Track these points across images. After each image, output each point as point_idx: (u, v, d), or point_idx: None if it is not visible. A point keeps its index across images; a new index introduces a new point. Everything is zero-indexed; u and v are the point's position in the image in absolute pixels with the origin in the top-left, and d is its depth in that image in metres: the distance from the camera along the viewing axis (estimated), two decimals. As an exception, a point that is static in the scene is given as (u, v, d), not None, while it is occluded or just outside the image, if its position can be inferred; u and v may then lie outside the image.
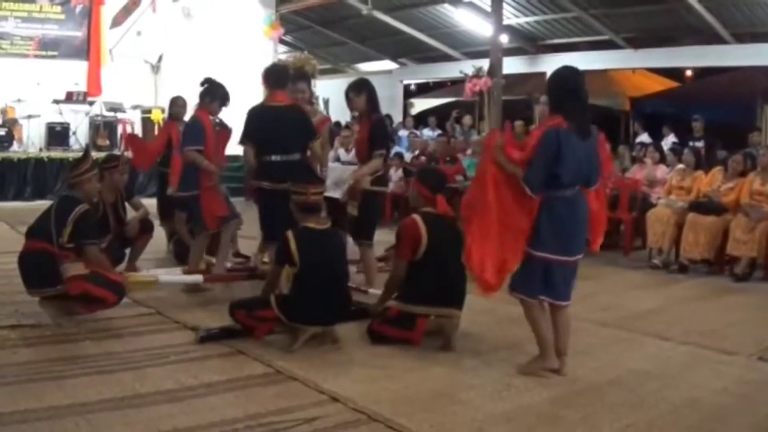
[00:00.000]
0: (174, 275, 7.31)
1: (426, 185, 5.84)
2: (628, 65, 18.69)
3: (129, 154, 9.44)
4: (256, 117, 6.98)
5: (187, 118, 8.57)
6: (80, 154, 7.11)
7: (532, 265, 5.02)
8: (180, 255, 8.43)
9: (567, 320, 5.17)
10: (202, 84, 7.48)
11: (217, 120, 7.88)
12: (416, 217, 5.72)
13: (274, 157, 6.83)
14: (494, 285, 5.02)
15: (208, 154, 7.23)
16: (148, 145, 10.02)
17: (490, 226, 4.97)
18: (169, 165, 8.82)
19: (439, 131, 16.50)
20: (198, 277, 7.11)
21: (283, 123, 6.86)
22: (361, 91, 7.22)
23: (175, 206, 8.39)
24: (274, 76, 7.14)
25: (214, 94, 7.41)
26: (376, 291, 6.67)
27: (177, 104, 9.33)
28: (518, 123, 13.51)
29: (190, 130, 7.43)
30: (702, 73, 18.39)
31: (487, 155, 5.14)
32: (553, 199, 4.95)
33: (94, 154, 6.90)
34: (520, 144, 5.33)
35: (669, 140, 13.45)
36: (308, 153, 7.05)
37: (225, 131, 7.98)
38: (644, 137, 14.54)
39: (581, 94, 5.06)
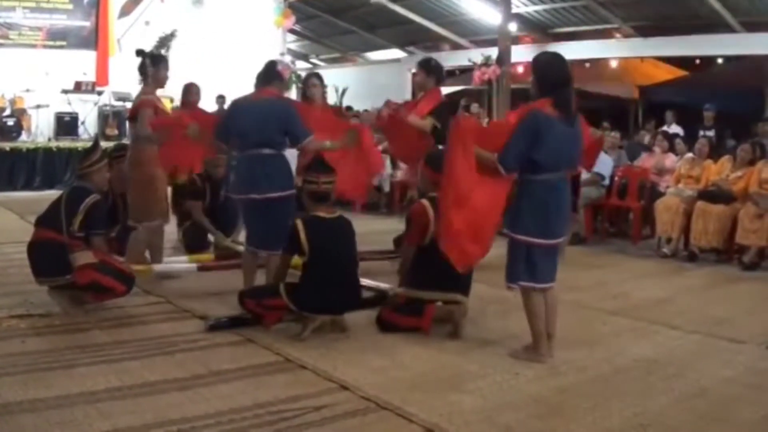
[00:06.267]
0: (168, 264, 7.36)
1: (431, 167, 5.84)
2: (636, 54, 18.61)
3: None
4: None
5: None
6: (89, 143, 7.10)
7: (514, 250, 5.10)
8: (189, 245, 8.44)
9: (553, 302, 5.23)
10: (269, 67, 6.70)
11: None
12: (425, 202, 5.75)
13: None
14: (472, 258, 5.13)
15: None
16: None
17: (463, 203, 5.01)
18: None
19: (447, 119, 16.44)
20: (191, 266, 7.14)
21: None
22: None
23: (186, 195, 8.44)
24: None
25: (273, 73, 6.67)
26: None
27: (191, 92, 9.26)
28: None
29: (297, 117, 6.37)
30: (711, 61, 18.31)
31: (457, 143, 5.11)
32: (533, 183, 5.01)
33: (103, 144, 6.88)
34: (486, 129, 5.42)
35: (672, 129, 13.35)
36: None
37: None
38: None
39: (568, 80, 5.10)
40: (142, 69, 7.08)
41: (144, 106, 6.90)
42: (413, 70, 22.13)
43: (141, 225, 7.03)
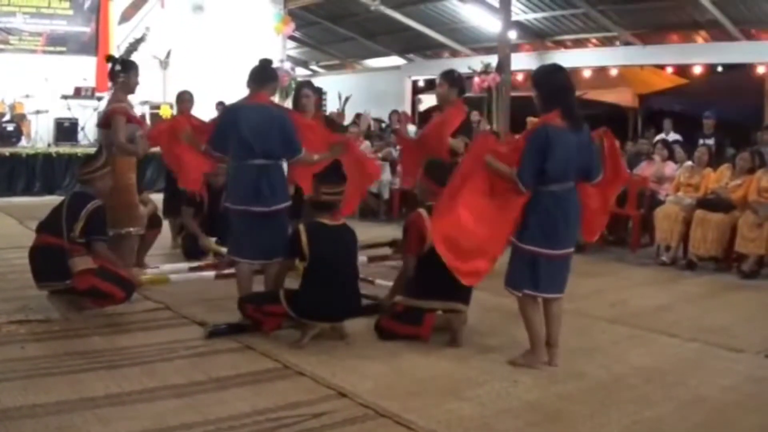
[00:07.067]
0: (184, 273, 7.33)
1: (432, 178, 5.85)
2: (636, 62, 18.61)
3: None
4: None
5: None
6: (89, 149, 7.09)
7: (519, 258, 5.12)
8: (189, 251, 8.44)
9: (558, 312, 5.23)
10: (264, 66, 6.39)
11: None
12: (422, 211, 5.75)
13: None
14: (478, 273, 5.15)
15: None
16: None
17: (467, 216, 5.06)
18: None
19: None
20: (209, 274, 7.12)
21: None
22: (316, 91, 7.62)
23: (182, 202, 8.43)
24: None
25: (269, 73, 6.40)
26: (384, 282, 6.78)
27: (184, 99, 9.26)
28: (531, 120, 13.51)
29: (293, 130, 6.09)
30: (710, 69, 18.32)
31: (474, 159, 5.22)
32: (540, 194, 5.02)
33: (103, 150, 6.85)
34: (503, 144, 5.49)
35: (670, 137, 13.35)
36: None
37: None
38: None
39: (571, 88, 5.15)
40: (113, 75, 7.02)
41: (117, 114, 6.78)
42: (413, 78, 22.30)
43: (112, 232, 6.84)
